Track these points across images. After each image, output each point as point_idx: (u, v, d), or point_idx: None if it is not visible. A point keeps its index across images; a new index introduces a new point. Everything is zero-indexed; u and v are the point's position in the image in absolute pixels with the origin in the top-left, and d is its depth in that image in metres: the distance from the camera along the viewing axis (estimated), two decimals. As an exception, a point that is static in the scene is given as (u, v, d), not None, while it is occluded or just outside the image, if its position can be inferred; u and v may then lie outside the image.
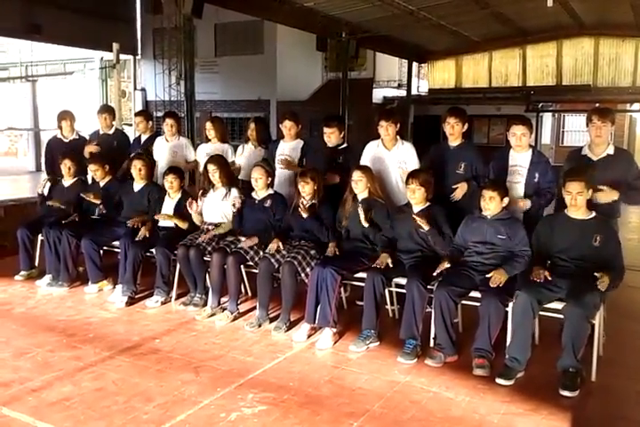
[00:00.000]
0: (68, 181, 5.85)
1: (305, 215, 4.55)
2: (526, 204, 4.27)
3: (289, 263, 4.39)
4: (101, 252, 5.39)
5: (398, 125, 4.80)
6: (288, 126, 5.35)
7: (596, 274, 3.60)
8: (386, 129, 4.75)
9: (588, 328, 3.56)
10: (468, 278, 3.97)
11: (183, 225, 5.19)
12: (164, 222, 5.25)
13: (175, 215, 5.22)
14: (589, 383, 3.60)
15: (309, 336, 4.28)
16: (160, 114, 14.20)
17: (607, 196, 4.10)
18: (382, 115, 4.90)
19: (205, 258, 4.81)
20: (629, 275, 5.78)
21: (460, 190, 4.54)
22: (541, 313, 3.76)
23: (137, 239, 5.07)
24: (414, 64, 19.36)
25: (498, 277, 3.80)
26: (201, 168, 5.56)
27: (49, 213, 5.75)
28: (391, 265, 4.19)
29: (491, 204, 4.01)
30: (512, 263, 3.92)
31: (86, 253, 5.29)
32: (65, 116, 6.28)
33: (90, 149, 6.02)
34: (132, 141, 6.47)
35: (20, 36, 13.92)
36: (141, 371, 3.72)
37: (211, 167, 5.06)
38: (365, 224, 4.40)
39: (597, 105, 13.00)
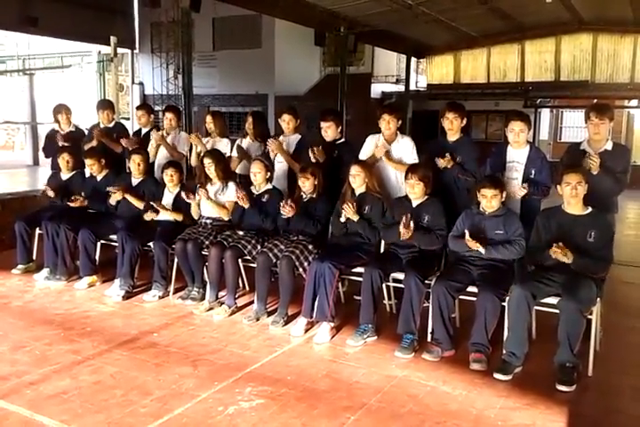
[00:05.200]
0: (66, 175, 5.84)
1: (291, 214, 4.56)
2: (523, 189, 4.23)
3: (286, 258, 4.39)
4: (99, 245, 5.39)
5: (399, 122, 4.79)
6: (286, 120, 5.34)
7: None
8: (388, 123, 4.72)
9: (583, 323, 3.56)
10: (466, 273, 3.98)
11: (178, 217, 5.19)
12: (162, 216, 5.25)
13: (172, 208, 5.23)
14: (586, 378, 3.62)
15: (307, 330, 4.28)
16: (158, 108, 14.19)
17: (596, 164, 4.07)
18: (386, 108, 4.88)
19: (203, 252, 4.82)
20: (626, 271, 5.85)
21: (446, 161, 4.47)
22: (538, 308, 3.78)
23: (146, 218, 5.16)
24: (413, 59, 19.27)
25: (473, 244, 3.88)
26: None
27: (47, 207, 5.74)
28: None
29: (493, 201, 4.01)
30: (498, 247, 3.94)
31: (82, 245, 5.25)
32: (60, 109, 6.27)
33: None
34: (131, 134, 6.43)
35: (17, 28, 13.81)
36: (139, 365, 3.72)
37: (206, 161, 5.04)
38: (355, 217, 4.40)
39: (595, 101, 13.00)
